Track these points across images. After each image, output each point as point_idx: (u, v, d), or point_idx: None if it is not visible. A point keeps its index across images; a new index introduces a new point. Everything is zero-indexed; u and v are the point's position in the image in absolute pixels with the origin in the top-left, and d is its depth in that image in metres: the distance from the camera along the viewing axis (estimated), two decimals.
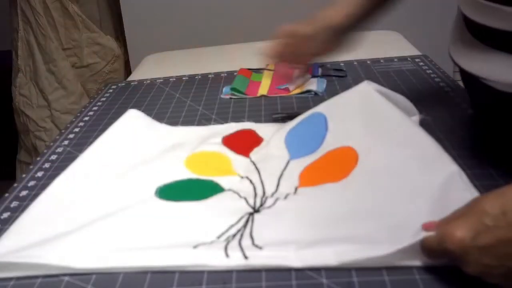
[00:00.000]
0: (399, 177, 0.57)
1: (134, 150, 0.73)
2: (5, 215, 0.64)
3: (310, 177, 0.63)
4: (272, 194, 0.61)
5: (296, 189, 0.61)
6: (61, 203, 0.62)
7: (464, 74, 0.68)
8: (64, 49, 1.75)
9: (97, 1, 1.79)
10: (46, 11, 1.70)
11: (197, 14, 1.71)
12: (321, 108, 0.74)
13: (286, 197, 0.59)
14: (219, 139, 0.76)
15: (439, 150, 0.59)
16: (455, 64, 0.67)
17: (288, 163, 0.67)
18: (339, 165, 0.63)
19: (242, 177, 0.65)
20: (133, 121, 0.82)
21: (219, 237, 0.53)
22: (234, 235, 0.53)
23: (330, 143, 0.67)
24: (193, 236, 0.53)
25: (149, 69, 1.32)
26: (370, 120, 0.68)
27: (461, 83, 0.96)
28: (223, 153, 0.72)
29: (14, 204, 0.67)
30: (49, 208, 0.61)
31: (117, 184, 0.65)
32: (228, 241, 0.51)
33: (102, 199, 0.62)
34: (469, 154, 0.67)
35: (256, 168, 0.67)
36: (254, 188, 0.62)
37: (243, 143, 0.75)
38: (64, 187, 0.65)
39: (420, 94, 0.91)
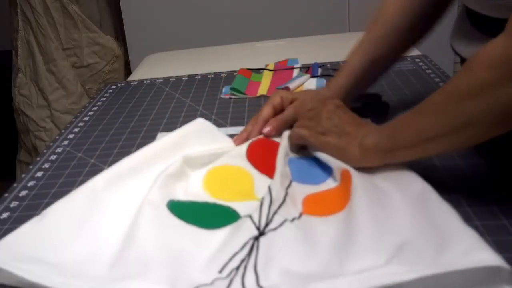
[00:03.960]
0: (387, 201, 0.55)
1: (166, 158, 0.68)
2: (5, 215, 0.64)
3: (313, 207, 0.59)
4: (279, 207, 0.56)
5: (300, 214, 0.57)
6: (76, 216, 0.58)
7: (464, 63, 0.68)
8: (64, 49, 1.76)
9: (97, 1, 1.79)
10: (46, 11, 1.70)
11: (197, 14, 1.72)
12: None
13: (292, 220, 0.55)
14: (244, 150, 0.70)
15: (414, 174, 0.59)
16: (455, 52, 0.67)
17: (290, 182, 0.63)
18: (340, 192, 0.60)
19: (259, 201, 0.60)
20: (192, 130, 0.76)
21: (220, 271, 0.48)
22: (237, 268, 0.48)
23: (334, 181, 0.64)
24: (194, 274, 0.48)
25: (149, 69, 1.32)
26: None
27: None
28: (247, 171, 0.67)
29: (14, 204, 0.67)
30: (62, 221, 0.57)
31: (135, 200, 0.60)
32: (230, 279, 0.47)
33: (117, 216, 0.58)
34: (468, 153, 0.67)
35: (270, 189, 0.61)
36: (261, 203, 0.57)
37: (267, 158, 0.69)
38: (88, 194, 0.61)
39: (420, 94, 0.91)
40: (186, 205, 0.60)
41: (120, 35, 1.87)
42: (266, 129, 0.73)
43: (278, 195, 0.58)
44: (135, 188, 0.62)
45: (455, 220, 0.49)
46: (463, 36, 0.66)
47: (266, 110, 0.75)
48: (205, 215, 0.58)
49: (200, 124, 0.77)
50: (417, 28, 0.76)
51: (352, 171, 0.60)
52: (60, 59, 1.75)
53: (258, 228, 0.53)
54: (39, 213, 0.64)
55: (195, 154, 0.69)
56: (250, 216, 0.55)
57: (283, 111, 0.75)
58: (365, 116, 0.82)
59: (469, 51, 0.64)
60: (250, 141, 0.72)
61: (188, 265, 0.50)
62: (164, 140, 0.72)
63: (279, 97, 0.76)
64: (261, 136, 0.73)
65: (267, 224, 0.53)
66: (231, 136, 0.76)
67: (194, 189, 0.63)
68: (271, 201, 0.57)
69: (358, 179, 0.58)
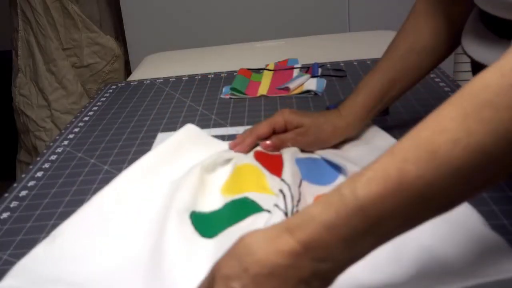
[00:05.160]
0: None
1: (179, 170, 0.68)
2: (5, 215, 0.64)
3: None
4: (298, 203, 0.56)
5: None
6: (91, 231, 0.58)
7: (475, 66, 0.68)
8: (64, 49, 1.75)
9: (97, 1, 1.79)
10: (46, 11, 1.70)
11: (197, 14, 1.72)
12: (332, 158, 0.69)
13: None
14: (251, 153, 0.70)
15: None
16: (466, 54, 0.66)
17: (301, 181, 0.62)
18: None
19: (278, 195, 0.59)
20: (186, 137, 0.76)
21: None
22: None
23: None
24: None
25: (149, 69, 1.32)
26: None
27: (461, 83, 0.96)
28: (257, 168, 0.66)
29: (14, 204, 0.67)
30: (75, 240, 0.57)
31: (153, 210, 0.60)
32: None
33: (133, 228, 0.58)
34: None
35: (286, 183, 0.60)
36: (284, 196, 0.56)
37: (275, 161, 0.68)
38: (98, 209, 0.61)
39: (420, 94, 0.91)
40: (208, 217, 0.59)
41: (120, 35, 1.87)
42: (266, 143, 0.71)
43: (294, 190, 0.58)
44: (142, 201, 0.62)
45: (480, 226, 0.48)
46: (475, 38, 0.65)
47: (263, 128, 0.72)
48: (228, 213, 0.58)
49: (190, 130, 0.77)
50: (439, 48, 0.73)
51: None
52: (60, 59, 1.75)
53: (286, 214, 0.53)
54: (39, 213, 0.64)
55: (208, 162, 0.68)
56: (276, 205, 0.54)
57: (285, 131, 0.72)
58: None
59: (481, 53, 0.64)
60: (255, 149, 0.71)
61: None
62: (160, 149, 0.72)
63: (282, 121, 0.72)
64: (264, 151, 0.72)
65: (293, 213, 0.53)
66: (231, 137, 0.76)
67: (214, 199, 0.62)
68: (292, 195, 0.56)
69: None
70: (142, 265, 0.52)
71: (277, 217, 0.52)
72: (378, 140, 0.72)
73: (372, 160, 0.37)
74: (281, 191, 0.57)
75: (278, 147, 0.71)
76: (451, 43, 0.73)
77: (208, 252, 0.53)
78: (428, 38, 0.72)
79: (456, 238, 0.48)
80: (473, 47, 0.65)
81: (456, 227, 0.49)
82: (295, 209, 0.54)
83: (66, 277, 0.51)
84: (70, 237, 0.56)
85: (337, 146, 0.72)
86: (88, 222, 0.59)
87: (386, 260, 0.48)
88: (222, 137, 0.79)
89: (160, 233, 0.55)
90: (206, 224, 0.57)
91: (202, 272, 0.49)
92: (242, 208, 0.58)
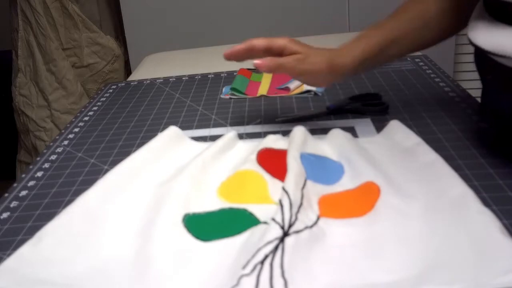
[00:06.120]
0: (425, 206, 0.55)
1: (164, 171, 0.68)
2: (5, 215, 0.64)
3: (330, 209, 0.58)
4: (298, 210, 0.55)
5: (318, 217, 0.56)
6: (79, 230, 0.57)
7: (478, 56, 0.67)
8: (64, 49, 1.76)
9: (97, 1, 1.80)
10: (46, 11, 1.70)
11: (197, 14, 1.72)
12: (336, 157, 0.69)
13: (312, 227, 0.54)
14: (254, 156, 0.69)
15: (455, 176, 0.57)
16: (472, 44, 0.66)
17: (305, 182, 0.62)
18: (360, 199, 0.59)
19: (278, 205, 0.57)
20: (169, 138, 0.76)
21: (244, 267, 0.46)
22: (262, 262, 0.47)
23: (346, 183, 0.63)
24: (221, 280, 0.48)
25: (149, 69, 1.32)
26: (386, 157, 0.66)
27: (461, 83, 0.96)
28: (259, 174, 0.65)
29: (14, 204, 0.67)
30: (61, 240, 0.56)
31: (140, 211, 0.60)
32: (257, 276, 0.45)
33: (120, 229, 0.57)
34: (469, 153, 0.67)
35: (287, 192, 0.59)
36: (282, 206, 0.56)
37: (278, 164, 0.67)
38: (83, 210, 0.61)
39: (420, 94, 0.91)
40: (203, 218, 0.58)
41: (120, 35, 1.88)
42: (258, 61, 0.71)
43: (295, 197, 0.57)
44: (129, 201, 0.62)
45: (495, 231, 0.47)
46: (481, 28, 0.65)
47: (260, 39, 0.73)
48: (223, 222, 0.57)
49: (173, 132, 0.78)
50: (444, 25, 0.74)
51: (383, 185, 0.59)
52: (60, 59, 1.75)
53: (282, 228, 0.52)
54: (39, 213, 0.64)
55: (203, 160, 0.68)
56: (273, 219, 0.53)
57: (280, 55, 0.73)
58: (365, 116, 0.82)
59: (488, 42, 0.63)
60: (259, 148, 0.71)
61: (212, 278, 0.49)
62: (143, 151, 0.72)
63: (283, 43, 0.73)
64: (269, 146, 0.72)
65: (290, 225, 0.53)
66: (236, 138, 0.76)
67: (209, 199, 0.62)
68: (290, 204, 0.56)
69: (388, 196, 0.57)
70: (130, 266, 0.51)
71: (273, 230, 0.51)
72: (399, 135, 0.71)
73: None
74: (280, 201, 0.56)
75: (273, 70, 0.72)
76: (457, 24, 0.73)
77: (202, 255, 0.52)
78: (436, 12, 0.73)
79: (468, 242, 0.48)
80: (480, 37, 0.65)
81: (469, 231, 0.49)
82: (293, 218, 0.54)
83: (51, 278, 0.50)
84: (56, 237, 0.56)
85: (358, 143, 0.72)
86: (74, 222, 0.58)
87: (395, 260, 0.48)
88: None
89: (149, 234, 0.55)
90: (200, 226, 0.57)
91: (194, 273, 0.50)
92: (240, 221, 0.57)
